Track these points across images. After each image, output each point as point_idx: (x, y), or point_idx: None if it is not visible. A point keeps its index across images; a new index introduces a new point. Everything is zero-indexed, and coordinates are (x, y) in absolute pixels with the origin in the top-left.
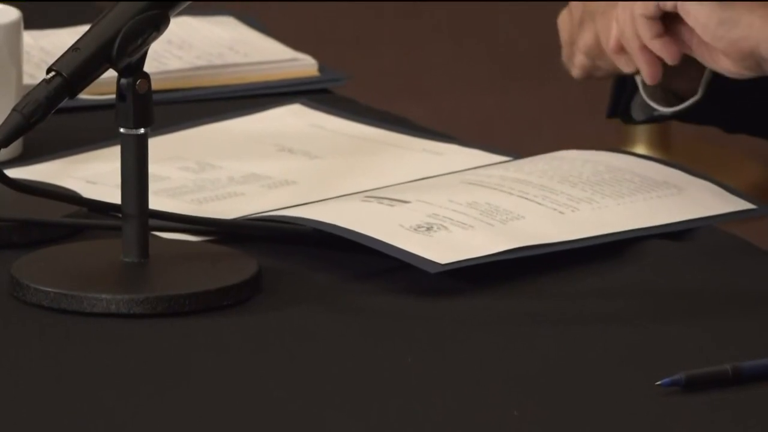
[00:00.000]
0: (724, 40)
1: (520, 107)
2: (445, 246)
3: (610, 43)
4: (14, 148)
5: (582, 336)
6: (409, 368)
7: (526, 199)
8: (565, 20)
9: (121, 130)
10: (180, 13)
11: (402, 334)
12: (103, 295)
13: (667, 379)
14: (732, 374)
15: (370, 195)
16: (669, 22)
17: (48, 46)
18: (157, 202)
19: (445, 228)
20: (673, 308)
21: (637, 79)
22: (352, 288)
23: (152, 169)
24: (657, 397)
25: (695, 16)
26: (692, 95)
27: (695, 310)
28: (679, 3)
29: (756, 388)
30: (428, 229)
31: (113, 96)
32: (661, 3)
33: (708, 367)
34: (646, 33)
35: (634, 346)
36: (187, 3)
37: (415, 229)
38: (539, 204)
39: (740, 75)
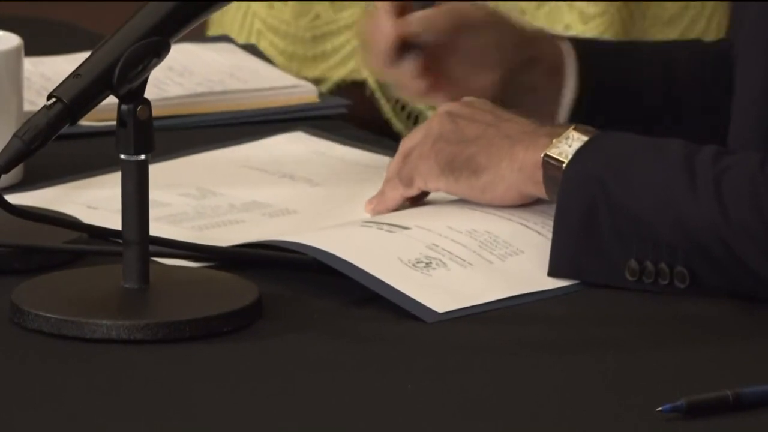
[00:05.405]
0: (495, 200)
1: None
2: (444, 290)
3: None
4: (15, 174)
5: (582, 362)
6: (409, 395)
7: (526, 227)
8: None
9: (122, 156)
10: (180, 40)
11: (402, 360)
12: (104, 321)
13: (667, 405)
14: (732, 400)
15: (370, 220)
16: None
17: (48, 72)
18: (157, 228)
19: (444, 265)
20: (672, 334)
21: None
22: (352, 314)
23: (153, 195)
24: (658, 423)
25: (461, 193)
26: None
27: (695, 336)
28: (442, 185)
29: (757, 414)
30: (427, 265)
31: (114, 122)
32: (422, 186)
33: (709, 392)
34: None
35: (635, 372)
36: (188, 29)
37: (413, 265)
38: (538, 233)
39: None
